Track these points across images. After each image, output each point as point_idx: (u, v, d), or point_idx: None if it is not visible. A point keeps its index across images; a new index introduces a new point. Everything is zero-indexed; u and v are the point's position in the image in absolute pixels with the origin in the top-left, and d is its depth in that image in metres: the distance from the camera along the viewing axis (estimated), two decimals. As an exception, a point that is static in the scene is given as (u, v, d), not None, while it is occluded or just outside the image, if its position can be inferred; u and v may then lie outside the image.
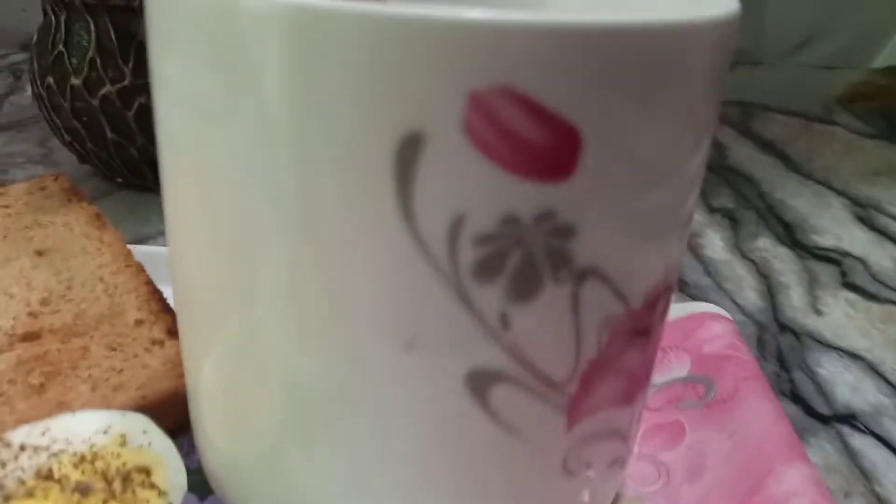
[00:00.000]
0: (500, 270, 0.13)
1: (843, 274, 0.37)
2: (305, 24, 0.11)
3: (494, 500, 0.16)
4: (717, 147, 0.53)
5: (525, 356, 0.14)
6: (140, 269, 0.26)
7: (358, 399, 0.14)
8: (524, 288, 0.13)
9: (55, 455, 0.17)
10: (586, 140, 0.12)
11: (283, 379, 0.15)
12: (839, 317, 0.33)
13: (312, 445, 0.15)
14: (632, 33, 0.11)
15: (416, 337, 0.13)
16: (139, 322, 0.23)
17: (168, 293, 0.24)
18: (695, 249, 0.38)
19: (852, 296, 0.35)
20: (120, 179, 0.38)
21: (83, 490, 0.17)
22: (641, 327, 0.15)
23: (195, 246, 0.15)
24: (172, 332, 0.23)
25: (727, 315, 0.27)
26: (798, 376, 0.29)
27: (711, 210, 0.43)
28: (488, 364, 0.14)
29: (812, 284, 0.36)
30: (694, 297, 0.34)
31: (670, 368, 0.25)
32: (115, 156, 0.36)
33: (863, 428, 0.26)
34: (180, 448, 0.19)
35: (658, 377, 0.25)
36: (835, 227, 0.42)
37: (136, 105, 0.34)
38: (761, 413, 0.22)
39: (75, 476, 0.17)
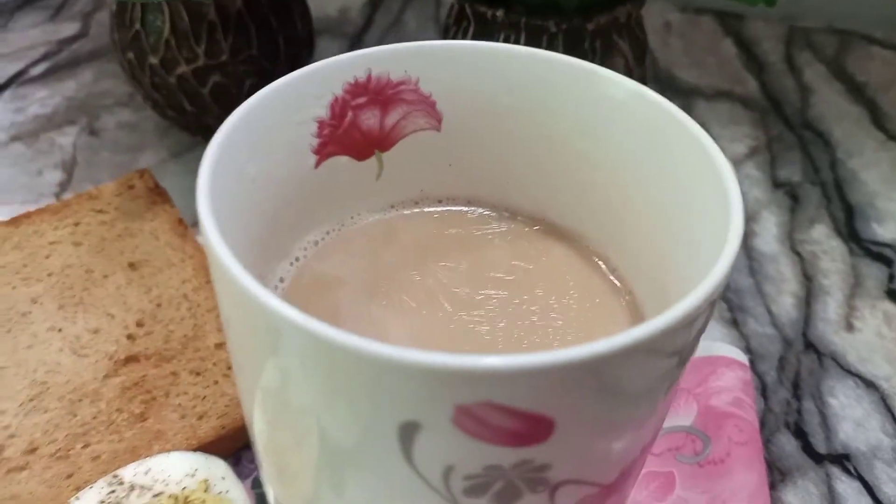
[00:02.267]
0: (486, 492, 0.16)
1: (891, 278, 0.37)
2: (334, 358, 0.13)
3: None
4: (802, 91, 0.50)
5: (507, 528, 0.17)
6: (217, 285, 0.29)
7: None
8: (506, 498, 0.16)
9: (157, 496, 0.23)
10: (558, 422, 0.14)
11: (318, 478, 0.19)
12: (870, 336, 0.34)
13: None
14: (583, 363, 0.13)
15: (418, 519, 0.17)
16: (218, 346, 0.28)
17: None
18: (746, 239, 0.39)
19: (892, 308, 0.36)
20: (199, 136, 0.41)
21: (177, 534, 0.22)
22: (614, 490, 0.18)
23: (259, 403, 0.18)
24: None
25: (744, 361, 0.29)
26: (807, 407, 0.31)
27: (776, 184, 0.43)
28: (478, 532, 0.17)
29: (853, 291, 0.36)
30: (730, 302, 0.35)
31: (678, 413, 0.28)
32: (194, 123, 0.39)
33: (853, 472, 0.29)
34: (253, 468, 0.24)
35: (667, 422, 0.28)
36: (902, 212, 0.41)
37: (210, 83, 0.36)
38: (744, 485, 0.25)
39: (171, 518, 0.22)
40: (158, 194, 0.33)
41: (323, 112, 0.21)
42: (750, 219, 0.40)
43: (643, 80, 0.37)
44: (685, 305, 0.15)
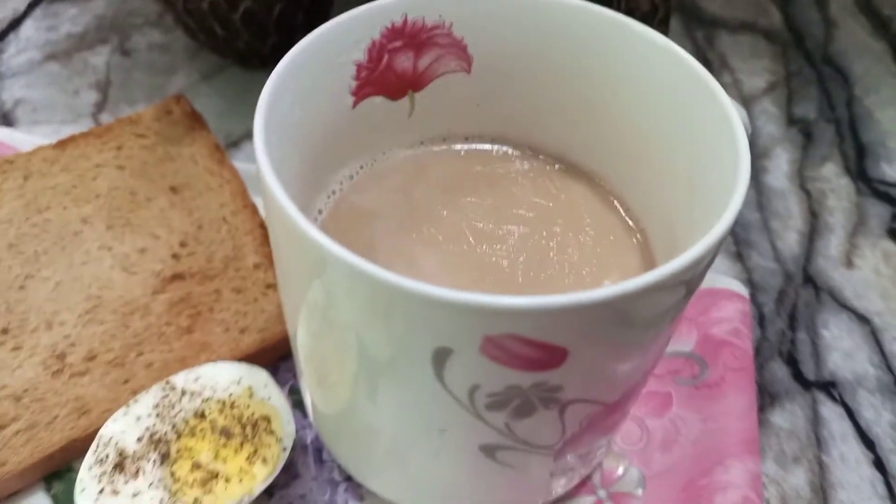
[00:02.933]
0: (505, 407, 0.18)
1: (894, 217, 0.39)
2: (378, 293, 0.16)
3: (500, 496, 0.23)
4: (826, 24, 0.50)
5: (523, 439, 0.20)
6: (254, 209, 0.31)
7: (407, 441, 0.21)
8: (523, 413, 0.18)
9: (206, 401, 0.25)
10: (571, 351, 0.16)
11: (354, 402, 0.21)
12: (868, 273, 0.36)
13: (375, 419, 0.22)
14: (596, 304, 0.15)
15: (445, 429, 0.19)
16: (256, 266, 0.30)
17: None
18: (757, 174, 0.40)
19: (891, 247, 0.37)
20: (229, 59, 0.42)
21: (227, 434, 0.25)
22: (617, 408, 0.21)
23: (304, 319, 0.21)
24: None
25: (744, 294, 0.31)
26: (801, 337, 0.33)
27: (790, 121, 0.43)
28: (496, 442, 0.20)
29: (856, 229, 0.38)
30: (736, 236, 0.37)
31: (679, 340, 0.30)
32: (224, 47, 0.40)
33: (837, 398, 0.31)
34: (291, 378, 0.27)
35: (669, 346, 0.30)
36: (912, 152, 0.42)
37: (241, 9, 0.37)
38: (734, 407, 0.27)
39: (220, 420, 0.25)
40: (195, 120, 0.34)
41: (361, 56, 0.23)
42: (762, 155, 0.41)
43: (667, 16, 0.38)
44: (696, 251, 0.16)
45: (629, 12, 0.35)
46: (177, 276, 0.29)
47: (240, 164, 0.34)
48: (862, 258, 0.37)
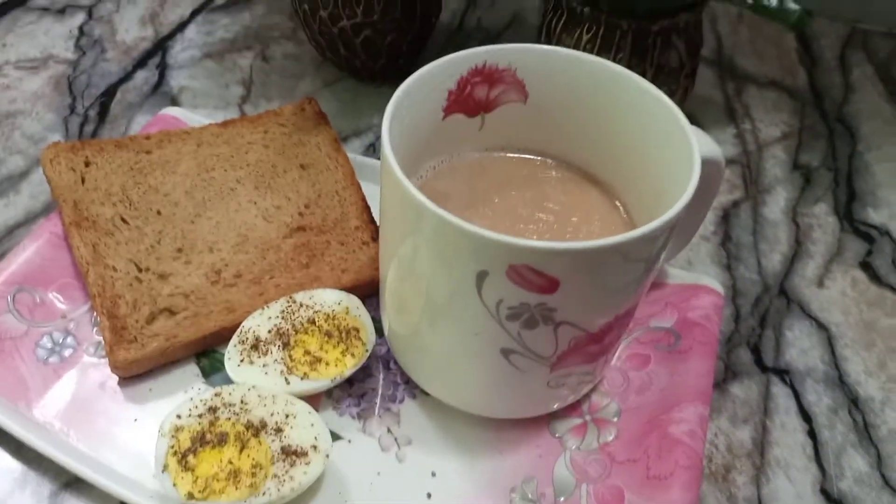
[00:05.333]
0: (518, 319, 0.28)
1: (868, 252, 0.47)
2: (448, 231, 0.26)
3: (511, 397, 0.33)
4: (846, 88, 0.58)
5: (528, 347, 0.30)
6: (359, 187, 0.42)
7: (452, 342, 0.31)
8: (529, 325, 0.28)
9: (316, 312, 0.36)
10: (563, 282, 0.26)
11: (422, 318, 0.32)
12: (835, 293, 0.44)
13: (431, 335, 0.32)
14: (578, 250, 0.25)
15: (478, 332, 0.29)
16: (357, 227, 0.41)
17: (370, 197, 0.41)
18: (756, 206, 0.49)
19: (861, 276, 0.45)
20: (346, 72, 0.54)
21: (329, 335, 0.35)
22: (595, 339, 0.30)
23: (392, 258, 0.31)
24: (374, 238, 0.40)
25: (719, 290, 0.40)
26: (767, 334, 0.42)
27: (795, 166, 0.52)
28: (511, 346, 0.30)
29: (833, 258, 0.46)
30: (729, 252, 0.46)
31: (664, 317, 0.39)
32: (344, 63, 0.51)
33: (787, 382, 0.40)
34: (372, 308, 0.37)
35: (653, 322, 0.39)
36: (897, 203, 0.50)
37: (362, 37, 0.49)
38: (696, 369, 0.36)
39: (325, 326, 0.36)
40: (322, 117, 0.45)
41: (453, 85, 0.33)
42: (764, 191, 0.50)
43: (693, 72, 0.47)
44: (640, 231, 0.26)
45: (660, 67, 0.45)
46: (300, 228, 0.40)
47: (350, 154, 0.45)
48: (833, 281, 0.45)
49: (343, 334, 0.35)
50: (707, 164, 0.32)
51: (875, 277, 0.45)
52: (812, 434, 0.38)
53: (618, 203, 0.35)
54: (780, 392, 0.40)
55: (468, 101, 0.34)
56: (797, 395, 0.40)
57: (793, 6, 0.43)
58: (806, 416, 0.39)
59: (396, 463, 0.34)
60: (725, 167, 0.43)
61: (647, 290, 0.31)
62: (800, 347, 0.42)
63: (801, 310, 0.44)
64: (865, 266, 0.46)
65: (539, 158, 0.37)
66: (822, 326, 0.43)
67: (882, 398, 0.39)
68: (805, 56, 0.61)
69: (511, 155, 0.37)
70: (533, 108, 0.35)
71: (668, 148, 0.31)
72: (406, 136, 0.32)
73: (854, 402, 0.39)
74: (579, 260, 0.26)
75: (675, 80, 0.46)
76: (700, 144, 0.30)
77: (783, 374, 0.40)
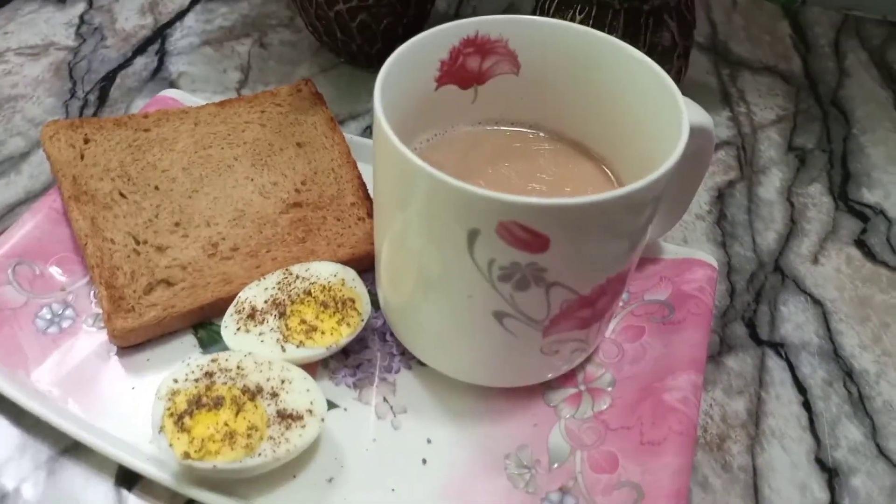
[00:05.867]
0: (510, 279, 0.28)
1: (863, 231, 0.47)
2: (436, 188, 0.26)
3: (505, 364, 0.33)
4: (840, 74, 0.58)
5: (521, 309, 0.30)
6: (355, 164, 0.43)
7: (446, 307, 0.31)
8: (521, 286, 0.29)
9: (312, 283, 0.36)
10: (552, 240, 0.27)
11: (416, 285, 0.32)
12: (830, 269, 0.45)
13: (426, 304, 0.33)
14: (562, 206, 0.26)
15: (471, 295, 0.30)
16: (352, 204, 0.41)
17: (366, 175, 0.42)
18: (750, 186, 0.49)
19: (855, 253, 0.46)
20: (343, 58, 0.54)
21: (325, 305, 0.36)
22: (587, 303, 0.31)
23: (386, 227, 0.32)
24: (369, 214, 0.41)
25: (713, 263, 0.40)
26: (762, 309, 0.42)
27: (790, 148, 0.52)
28: (504, 309, 0.30)
29: (828, 236, 0.47)
30: (724, 230, 0.46)
31: (659, 291, 0.40)
32: (341, 48, 0.52)
33: (782, 355, 0.40)
34: (368, 282, 0.38)
35: (648, 295, 0.40)
36: (892, 184, 0.50)
37: (357, 20, 0.49)
38: (689, 339, 0.37)
39: (321, 296, 0.36)
40: (318, 98, 0.46)
41: (445, 55, 0.34)
42: (759, 171, 0.50)
43: (687, 52, 0.48)
44: (630, 187, 0.26)
45: (653, 45, 0.45)
46: (297, 204, 0.41)
47: (346, 134, 0.45)
48: (827, 258, 0.45)
49: (339, 304, 0.36)
50: (697, 132, 0.32)
51: (870, 255, 0.46)
52: (807, 405, 0.38)
53: (610, 174, 0.35)
54: (774, 365, 0.40)
55: (461, 71, 0.35)
56: (792, 368, 0.40)
57: (784, -16, 0.43)
58: (801, 388, 0.39)
59: (392, 430, 0.34)
60: (720, 149, 0.43)
61: (637, 255, 0.31)
62: (794, 322, 0.42)
63: (795, 286, 0.44)
64: (860, 244, 0.46)
65: (532, 131, 0.37)
66: (816, 302, 0.43)
67: (877, 371, 0.40)
68: (799, 43, 0.61)
69: (504, 128, 0.37)
70: (525, 79, 0.36)
71: (658, 116, 0.32)
72: (399, 105, 0.32)
73: (849, 374, 0.39)
74: (567, 216, 0.26)
75: (668, 60, 0.46)
76: (690, 112, 0.30)
77: (778, 347, 0.41)
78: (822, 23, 0.63)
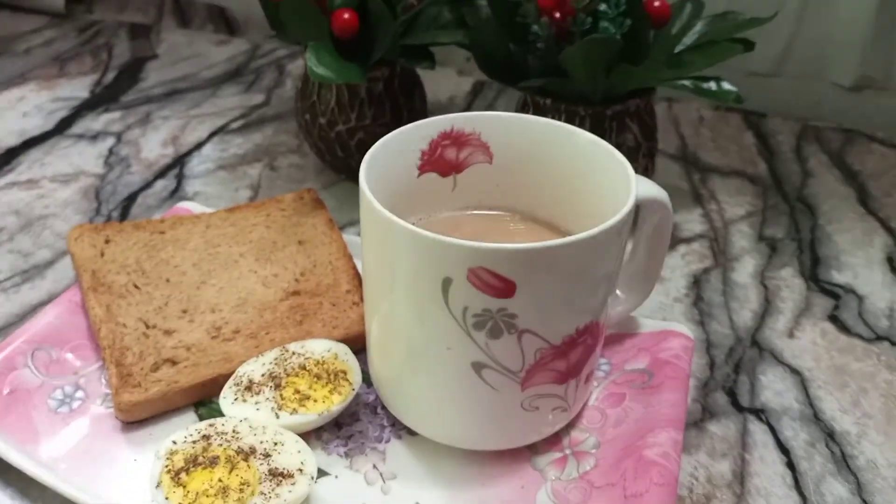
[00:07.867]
0: (483, 327, 0.31)
1: (836, 307, 0.49)
2: (410, 240, 0.30)
3: (487, 419, 0.35)
4: (804, 174, 0.63)
5: (496, 359, 0.32)
6: (350, 258, 0.46)
7: (429, 363, 0.34)
8: (494, 334, 0.31)
9: (307, 358, 0.39)
10: (518, 284, 0.30)
11: (401, 347, 0.34)
12: (806, 342, 0.47)
13: (413, 376, 0.35)
14: (531, 251, 0.29)
15: (450, 346, 0.32)
16: (347, 291, 0.44)
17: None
18: (725, 272, 0.52)
19: (829, 327, 0.48)
20: (343, 175, 0.60)
21: (318, 377, 0.38)
22: (560, 353, 0.33)
23: (374, 298, 0.35)
24: (363, 299, 0.44)
25: (688, 334, 0.42)
26: (742, 379, 0.44)
27: (760, 238, 0.56)
28: (481, 359, 0.32)
29: (802, 313, 0.49)
30: (702, 311, 0.49)
31: (638, 360, 0.42)
32: (342, 165, 0.57)
33: (764, 420, 0.41)
34: (362, 362, 0.40)
35: (628, 366, 0.42)
36: (860, 266, 0.53)
37: (356, 139, 0.55)
38: (668, 400, 0.38)
39: (314, 369, 0.38)
40: (319, 203, 0.50)
41: (425, 146, 0.38)
42: (733, 259, 0.53)
43: (651, 151, 0.52)
44: (581, 235, 0.30)
45: (618, 145, 0.50)
46: (296, 292, 0.44)
47: (344, 235, 0.49)
48: (803, 332, 0.47)
49: (331, 376, 0.38)
50: (652, 203, 0.36)
51: (844, 328, 0.48)
52: (791, 465, 0.39)
53: (578, 244, 0.39)
54: (756, 429, 0.41)
55: (440, 161, 0.39)
56: (774, 432, 0.41)
57: (729, 88, 0.49)
58: (784, 449, 0.40)
59: (381, 495, 0.35)
60: (694, 241, 0.47)
61: (604, 310, 0.34)
62: (774, 389, 0.43)
63: (773, 357, 0.45)
64: (834, 319, 0.48)
65: (508, 214, 0.41)
66: (795, 371, 0.44)
67: (858, 431, 0.40)
68: (764, 149, 0.66)
69: (483, 212, 0.41)
70: (498, 167, 0.40)
71: (614, 187, 0.35)
72: (385, 188, 0.36)
73: (830, 435, 0.40)
74: (529, 260, 0.29)
75: (634, 158, 0.51)
76: (643, 185, 0.34)
77: (759, 412, 0.42)
78: (784, 131, 0.68)
